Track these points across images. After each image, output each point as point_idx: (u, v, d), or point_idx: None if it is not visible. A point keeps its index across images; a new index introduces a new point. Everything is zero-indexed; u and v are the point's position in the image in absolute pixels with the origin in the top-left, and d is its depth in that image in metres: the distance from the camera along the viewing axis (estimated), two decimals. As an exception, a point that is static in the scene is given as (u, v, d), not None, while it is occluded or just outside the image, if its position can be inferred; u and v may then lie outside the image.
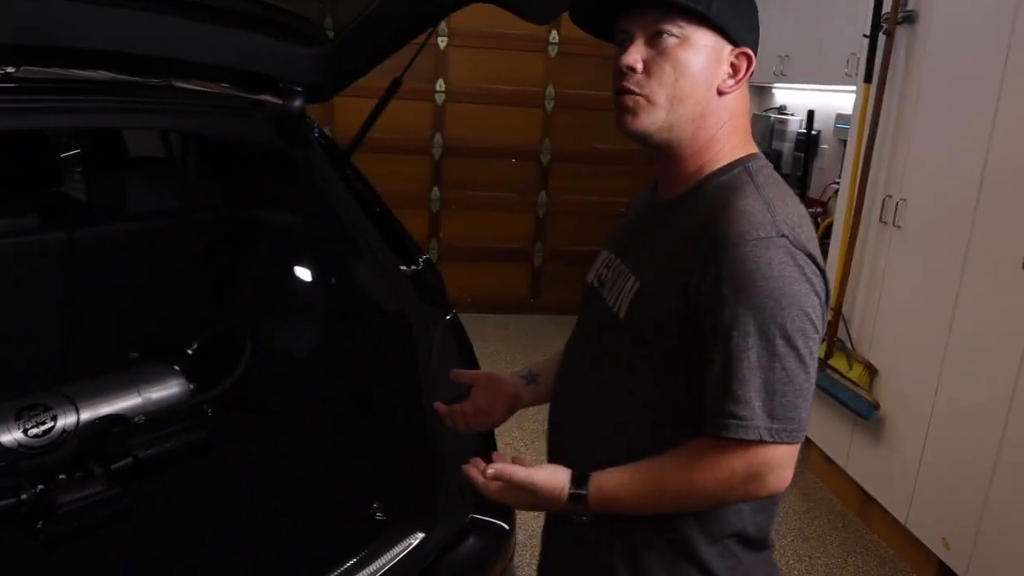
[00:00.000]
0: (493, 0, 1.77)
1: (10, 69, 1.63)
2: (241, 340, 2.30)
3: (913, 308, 3.11)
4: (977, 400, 2.73)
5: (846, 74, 3.95)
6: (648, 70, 1.12)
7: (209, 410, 2.37)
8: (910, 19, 3.19)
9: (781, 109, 5.35)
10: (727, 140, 1.18)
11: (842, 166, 3.74)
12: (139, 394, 2.30)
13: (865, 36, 3.37)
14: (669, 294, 1.11)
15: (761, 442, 1.05)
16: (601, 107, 5.77)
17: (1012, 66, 2.63)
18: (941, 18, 3.05)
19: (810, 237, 1.11)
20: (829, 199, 4.48)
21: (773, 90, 5.50)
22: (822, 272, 1.11)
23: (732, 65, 1.15)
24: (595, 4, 1.18)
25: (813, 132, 4.74)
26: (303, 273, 2.24)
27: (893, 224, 3.22)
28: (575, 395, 1.30)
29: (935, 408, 2.94)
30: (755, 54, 1.16)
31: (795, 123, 5.07)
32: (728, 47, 1.14)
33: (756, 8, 1.19)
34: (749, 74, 1.16)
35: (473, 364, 2.15)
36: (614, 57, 1.16)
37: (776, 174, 1.18)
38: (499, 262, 6.02)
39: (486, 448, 1.97)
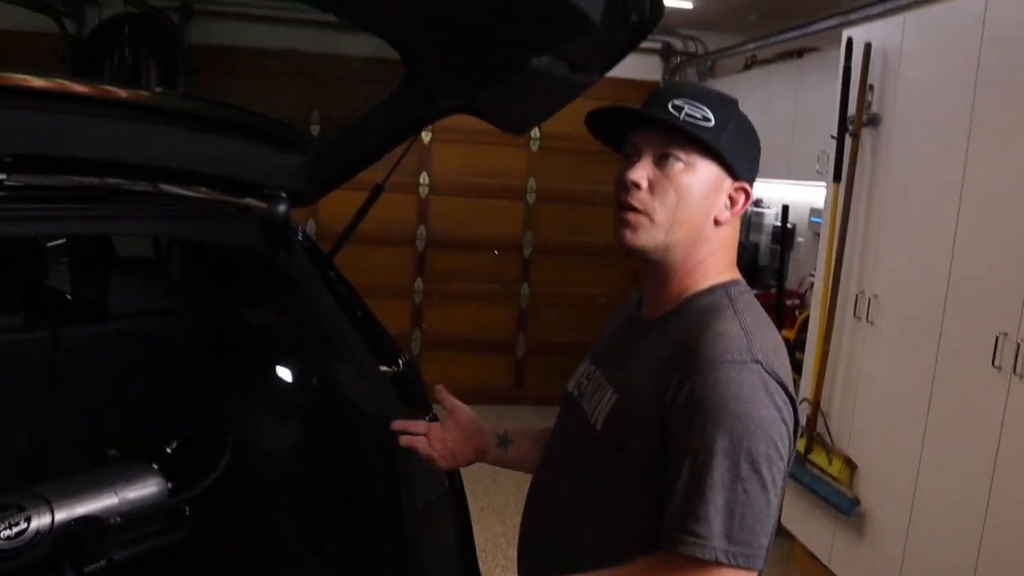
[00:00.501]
0: (473, 112, 1.84)
1: (1, 176, 1.68)
2: (221, 440, 2.29)
3: (889, 403, 3.15)
4: (956, 493, 2.75)
5: (817, 171, 4.06)
6: (652, 189, 1.18)
7: (187, 510, 2.35)
8: (874, 122, 3.32)
9: (757, 202, 5.48)
10: (714, 266, 1.23)
11: (817, 258, 3.82)
12: (116, 493, 2.27)
13: (833, 137, 3.50)
14: (644, 408, 1.15)
15: (716, 563, 1.06)
16: (582, 200, 5.91)
17: (971, 169, 2.74)
18: (903, 122, 3.18)
19: (783, 365, 1.15)
20: (806, 291, 4.56)
21: (749, 184, 5.64)
22: (792, 401, 1.14)
23: (730, 197, 1.21)
24: (609, 119, 1.24)
25: (788, 225, 4.85)
26: (284, 374, 2.26)
27: (866, 320, 3.29)
28: (552, 502, 1.32)
29: (915, 502, 2.95)
30: (751, 189, 1.23)
31: (771, 216, 5.18)
32: (729, 180, 1.20)
33: (759, 147, 1.25)
34: (744, 208, 1.23)
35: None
36: (619, 170, 1.22)
37: (755, 300, 1.24)
38: (482, 353, 6.04)
39: (466, 566, 1.97)
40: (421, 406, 2.15)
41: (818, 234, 4.08)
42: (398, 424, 1.60)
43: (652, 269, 1.24)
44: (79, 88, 1.78)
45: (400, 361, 2.15)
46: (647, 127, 1.20)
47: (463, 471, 2.20)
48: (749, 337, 1.13)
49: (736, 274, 1.26)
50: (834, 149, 3.51)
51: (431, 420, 2.15)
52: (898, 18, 3.27)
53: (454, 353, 5.97)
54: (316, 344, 2.12)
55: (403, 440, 1.57)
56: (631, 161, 1.20)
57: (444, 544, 2.17)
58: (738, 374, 1.08)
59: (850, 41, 3.45)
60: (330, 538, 2.19)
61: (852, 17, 3.78)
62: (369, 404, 1.99)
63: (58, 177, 1.81)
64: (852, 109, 3.40)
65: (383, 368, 2.10)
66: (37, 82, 1.72)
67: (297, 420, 2.24)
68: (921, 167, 3.04)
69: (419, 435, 1.57)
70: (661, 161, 1.18)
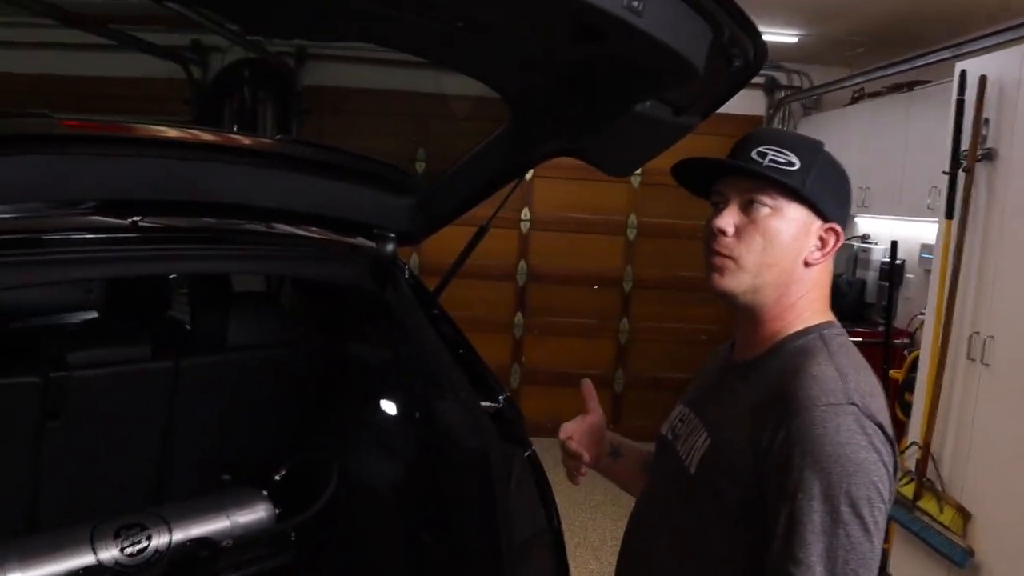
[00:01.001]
0: (577, 155, 1.87)
1: (136, 218, 1.80)
2: (326, 470, 2.37)
3: (1007, 449, 3.01)
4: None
5: (928, 207, 3.94)
6: (739, 235, 1.19)
7: (293, 536, 2.44)
8: (989, 156, 3.21)
9: (864, 238, 5.33)
10: (807, 307, 1.22)
11: (928, 296, 3.70)
12: (228, 517, 2.38)
13: (945, 173, 3.39)
14: (739, 452, 1.15)
15: None
16: (683, 235, 5.86)
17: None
18: (1021, 156, 3.06)
19: (880, 408, 1.13)
20: (916, 330, 4.40)
21: (856, 219, 5.51)
22: (891, 442, 1.12)
23: (820, 238, 1.21)
24: (696, 168, 1.26)
25: (897, 262, 4.70)
26: (389, 407, 2.32)
27: (981, 361, 3.15)
28: (646, 546, 1.32)
29: (1036, 556, 2.80)
30: (843, 228, 1.22)
31: (879, 252, 5.04)
32: (818, 222, 1.21)
33: (848, 186, 1.26)
34: (836, 248, 1.22)
35: (550, 501, 2.17)
36: (708, 218, 1.24)
37: (850, 342, 1.23)
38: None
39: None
40: (520, 442, 2.18)
41: (929, 271, 3.95)
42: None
43: (744, 313, 1.25)
44: (204, 136, 1.90)
45: (500, 397, 2.18)
46: (732, 175, 1.22)
47: (559, 506, 2.22)
48: (844, 379, 1.12)
49: (830, 316, 1.25)
50: (946, 184, 3.40)
51: (529, 455, 2.19)
52: (1015, 49, 3.16)
53: (553, 387, 5.98)
54: (420, 379, 2.18)
55: (562, 432, 1.58)
56: (718, 209, 1.23)
57: (542, 580, 2.18)
58: (835, 416, 1.07)
59: (963, 74, 3.35)
60: (429, 571, 2.23)
61: (965, 49, 3.67)
62: (470, 438, 2.03)
63: (185, 219, 1.94)
64: (965, 143, 3.30)
65: (484, 403, 2.14)
66: (169, 132, 1.84)
67: (400, 453, 2.30)
68: (1041, 204, 2.92)
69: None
70: (747, 207, 1.20)
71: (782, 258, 1.19)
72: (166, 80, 5.30)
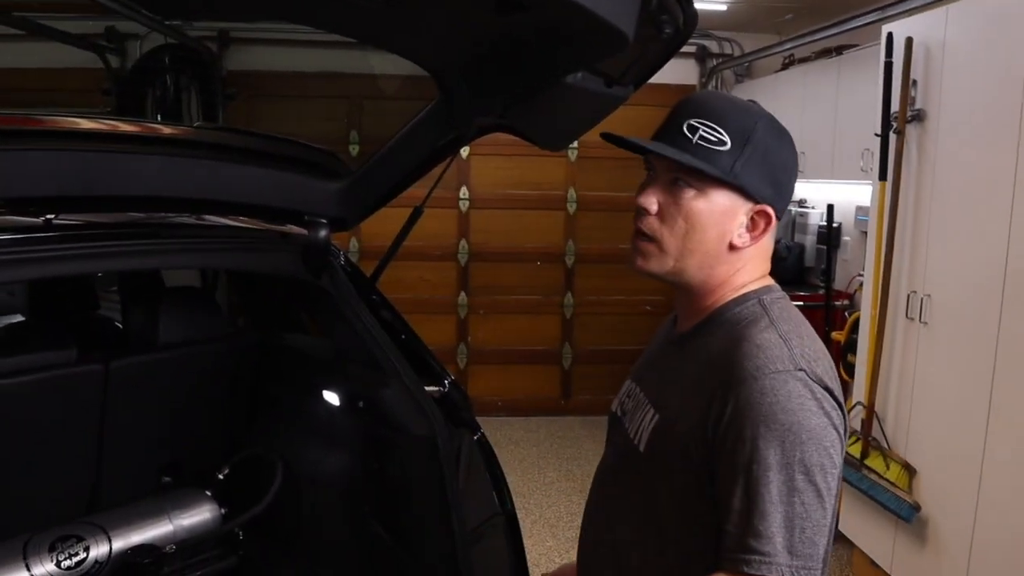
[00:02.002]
0: (510, 130, 1.84)
1: (50, 216, 1.71)
2: (271, 465, 2.31)
3: (947, 405, 3.07)
4: (1021, 495, 2.67)
5: (861, 169, 4.00)
6: (662, 215, 1.16)
7: (240, 535, 2.37)
8: (919, 118, 3.25)
9: (801, 203, 5.40)
10: (741, 278, 1.20)
11: (865, 258, 3.75)
12: (170, 521, 2.30)
13: (876, 135, 3.43)
14: (689, 427, 1.12)
15: None
16: (623, 208, 5.84)
17: (1023, 161, 2.67)
18: (949, 116, 3.10)
19: (827, 371, 1.12)
20: (855, 292, 4.48)
21: (792, 184, 5.57)
22: (840, 405, 1.11)
23: (752, 220, 1.17)
24: (624, 144, 1.20)
25: (834, 225, 4.77)
26: (332, 398, 2.27)
27: (920, 320, 3.21)
28: (604, 524, 1.31)
29: (979, 506, 2.87)
30: (778, 210, 1.17)
31: (816, 216, 5.11)
32: (747, 204, 1.16)
33: (789, 163, 1.19)
34: (766, 232, 1.18)
35: (502, 483, 2.14)
36: (638, 189, 1.21)
37: (790, 305, 1.21)
38: (528, 365, 6.04)
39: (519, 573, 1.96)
40: (469, 425, 2.15)
41: (865, 233, 4.01)
42: None
43: (676, 287, 1.23)
44: (124, 127, 1.81)
45: (445, 381, 2.15)
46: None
47: (511, 486, 2.20)
48: (789, 345, 1.10)
49: (768, 279, 1.23)
50: (878, 147, 3.44)
51: (479, 438, 2.16)
52: (940, 10, 3.19)
53: (501, 366, 5.99)
54: (362, 367, 2.13)
55: None
56: (646, 180, 1.20)
57: (497, 564, 2.16)
58: (784, 384, 1.06)
59: (890, 36, 3.39)
60: (382, 560, 2.19)
61: (891, 12, 3.71)
62: (416, 425, 2.00)
63: (106, 214, 1.85)
64: (895, 105, 3.34)
65: (429, 388, 2.10)
66: (84, 123, 1.75)
67: (346, 444, 2.25)
68: (970, 161, 2.97)
69: None
70: (672, 185, 1.16)
71: (704, 242, 1.16)
72: (82, 70, 5.10)
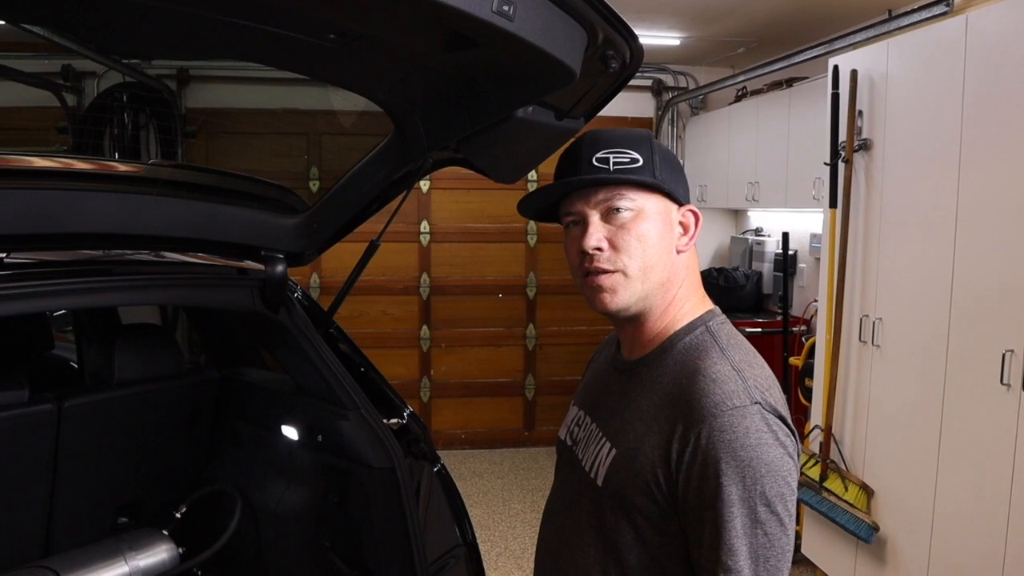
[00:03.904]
0: (464, 164, 1.86)
1: (2, 255, 1.70)
2: (230, 501, 2.29)
3: (901, 425, 3.13)
4: (975, 513, 2.72)
5: (813, 197, 4.09)
6: (614, 245, 1.17)
7: (199, 574, 2.34)
8: (866, 146, 3.35)
9: (758, 231, 5.50)
10: (686, 298, 1.23)
11: (819, 284, 3.82)
12: (126, 562, 2.27)
13: (826, 164, 3.52)
14: (649, 463, 1.13)
15: None
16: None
17: (965, 187, 2.76)
18: (894, 144, 3.20)
19: (778, 398, 1.15)
20: (811, 317, 4.56)
21: (748, 213, 5.68)
22: (792, 432, 1.14)
23: (681, 224, 1.22)
24: (546, 195, 1.23)
25: (789, 252, 4.86)
26: (291, 432, 2.26)
27: (872, 343, 3.28)
28: (564, 556, 1.29)
29: (935, 525, 2.92)
30: (697, 209, 1.24)
31: (772, 243, 5.20)
32: (675, 207, 1.22)
33: (683, 168, 1.27)
34: (698, 229, 1.23)
35: (463, 515, 2.14)
36: (567, 243, 1.22)
37: (735, 331, 1.24)
38: (491, 397, 6.04)
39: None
40: (428, 457, 2.16)
41: (819, 259, 4.09)
42: None
43: (629, 319, 1.23)
44: (78, 165, 1.81)
45: (404, 413, 2.15)
46: (581, 190, 1.19)
47: (475, 518, 2.21)
48: (742, 376, 1.13)
49: (708, 303, 1.26)
50: (828, 175, 3.53)
51: (439, 470, 2.16)
52: (882, 44, 3.31)
53: (464, 399, 5.98)
54: (320, 400, 2.12)
55: None
56: (580, 229, 1.20)
57: (459, 596, 2.16)
58: (742, 419, 1.08)
59: (836, 69, 3.49)
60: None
61: (837, 45, 3.83)
62: (375, 457, 2.00)
63: (60, 252, 1.84)
64: (843, 135, 3.43)
65: (388, 421, 2.10)
66: (38, 161, 1.75)
67: (305, 478, 2.24)
68: (915, 188, 3.06)
69: None
70: (609, 216, 1.18)
71: (659, 255, 1.19)
72: (38, 109, 5.07)
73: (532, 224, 5.95)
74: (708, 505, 1.08)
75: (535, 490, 5.22)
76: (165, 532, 2.34)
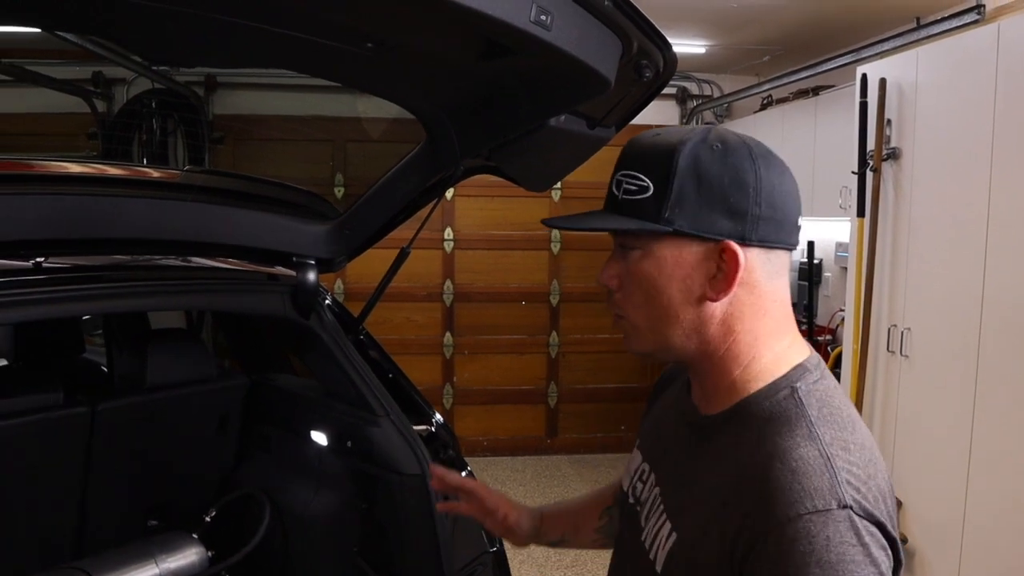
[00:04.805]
0: (495, 172, 1.87)
1: (39, 259, 1.73)
2: (259, 506, 2.30)
3: (930, 437, 3.10)
4: (1006, 526, 2.69)
5: (840, 206, 4.06)
6: (622, 289, 1.02)
7: (228, 578, 2.36)
8: (894, 155, 3.32)
9: (782, 240, 5.46)
10: (754, 351, 0.99)
11: (846, 293, 3.80)
12: (157, 564, 2.28)
13: (854, 173, 3.50)
14: (709, 562, 0.94)
15: None
16: (606, 246, 5.91)
17: (996, 195, 2.73)
18: (924, 153, 3.17)
19: (879, 494, 0.90)
20: (837, 327, 4.53)
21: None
22: (892, 541, 0.90)
23: (718, 264, 0.96)
24: (565, 223, 1.09)
25: (815, 261, 4.83)
26: (319, 437, 2.27)
27: (901, 354, 3.25)
28: None
29: (964, 538, 2.89)
30: (756, 239, 0.95)
31: (797, 252, 5.15)
32: (705, 246, 0.96)
33: (739, 176, 0.96)
34: (738, 272, 0.95)
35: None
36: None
37: (833, 392, 0.98)
38: (514, 404, 6.04)
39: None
40: (456, 463, 2.16)
41: (845, 268, 4.07)
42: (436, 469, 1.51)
43: (680, 363, 1.07)
44: (112, 171, 1.84)
45: (433, 420, 2.16)
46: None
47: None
48: (832, 465, 0.88)
49: (799, 352, 1.00)
50: (855, 184, 3.51)
51: (467, 476, 2.16)
52: (911, 52, 3.29)
53: (486, 406, 5.98)
54: (349, 406, 2.14)
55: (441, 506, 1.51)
56: (609, 256, 1.05)
57: (486, 603, 2.16)
58: (823, 527, 0.84)
59: (864, 77, 3.48)
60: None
61: (865, 54, 3.81)
62: (404, 463, 2.00)
63: (94, 257, 1.87)
64: (871, 144, 3.41)
65: (417, 427, 2.11)
66: (73, 167, 1.78)
67: (334, 483, 2.25)
68: (945, 197, 3.04)
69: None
70: (622, 252, 1.01)
71: (670, 306, 0.98)
72: (68, 115, 5.14)
73: (556, 232, 5.95)
74: None
75: (557, 498, 5.20)
76: (195, 535, 2.35)
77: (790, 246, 1.00)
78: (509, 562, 2.24)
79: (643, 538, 1.08)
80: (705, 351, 1.00)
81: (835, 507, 0.86)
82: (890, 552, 0.88)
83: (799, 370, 0.98)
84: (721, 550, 0.91)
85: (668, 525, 1.02)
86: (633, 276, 0.99)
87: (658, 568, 1.01)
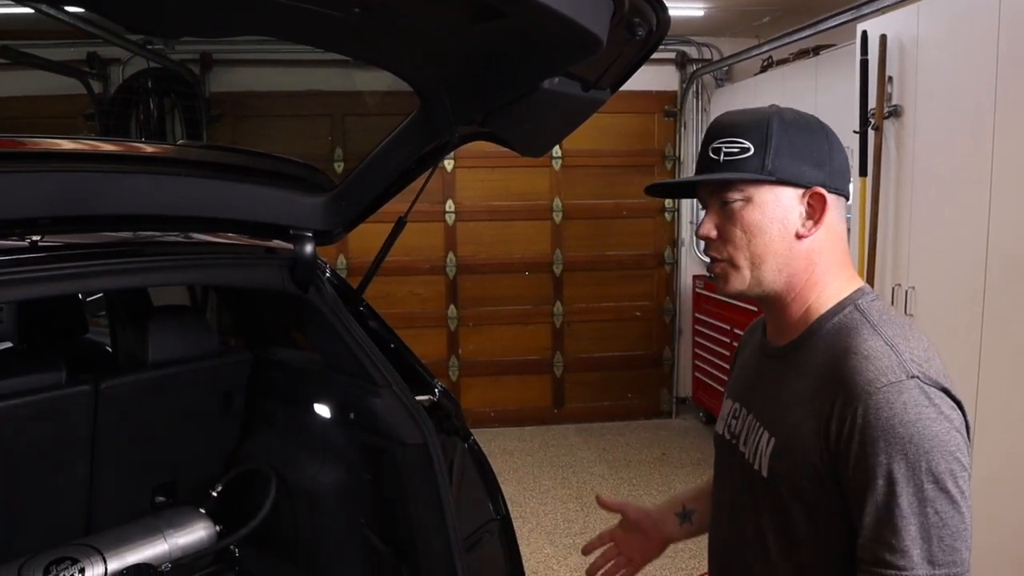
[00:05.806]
0: (490, 138, 1.85)
1: (36, 238, 1.72)
2: (265, 480, 2.31)
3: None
4: (1011, 482, 2.69)
5: (843, 168, 4.03)
6: (723, 235, 1.20)
7: (237, 551, 2.37)
8: (896, 113, 3.29)
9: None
10: (826, 280, 1.20)
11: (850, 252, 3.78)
12: (165, 540, 2.30)
13: (855, 132, 3.47)
14: (807, 449, 1.12)
15: None
16: (608, 215, 5.92)
17: (1000, 152, 2.70)
18: (925, 110, 3.14)
19: (939, 370, 1.10)
20: (841, 289, 4.51)
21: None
22: (959, 404, 1.10)
23: (810, 205, 1.18)
24: (668, 190, 1.30)
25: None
26: (322, 410, 2.28)
27: (905, 312, 3.24)
28: (736, 546, 1.29)
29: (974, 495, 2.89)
30: (833, 187, 1.18)
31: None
32: (797, 192, 1.18)
33: (820, 136, 1.20)
34: (825, 213, 1.17)
35: (496, 490, 2.15)
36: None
37: (887, 307, 1.20)
38: (520, 375, 6.05)
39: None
40: (460, 433, 2.16)
41: (849, 229, 4.04)
42: (589, 547, 1.66)
43: (765, 302, 1.25)
44: (106, 147, 1.82)
45: (436, 389, 2.16)
46: (701, 179, 1.23)
47: (506, 495, 2.22)
48: (896, 350, 1.09)
49: (856, 281, 1.22)
50: (858, 143, 3.48)
51: (471, 444, 2.17)
52: (911, 8, 3.24)
53: (492, 377, 6.00)
54: (352, 378, 2.13)
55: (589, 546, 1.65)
56: (703, 216, 1.25)
57: (494, 570, 2.17)
58: (898, 394, 1.04)
59: (864, 34, 3.43)
60: (379, 570, 2.20)
61: (865, 11, 3.76)
62: (408, 434, 2.00)
63: (91, 234, 1.86)
64: (873, 102, 3.37)
65: (420, 397, 2.11)
66: (66, 144, 1.76)
67: (338, 455, 2.26)
68: (948, 154, 3.01)
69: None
70: (723, 208, 1.20)
71: (769, 243, 1.18)
72: (65, 97, 5.11)
73: (558, 201, 5.93)
74: (870, 486, 1.05)
75: (565, 467, 5.23)
76: (202, 511, 2.37)
77: (848, 194, 1.24)
78: (518, 531, 2.25)
79: (747, 458, 1.24)
80: (790, 283, 1.20)
81: (904, 378, 1.06)
82: (959, 412, 1.08)
83: (858, 292, 1.20)
84: (816, 437, 1.10)
85: (766, 435, 1.20)
86: (737, 223, 1.19)
87: (764, 474, 1.19)
